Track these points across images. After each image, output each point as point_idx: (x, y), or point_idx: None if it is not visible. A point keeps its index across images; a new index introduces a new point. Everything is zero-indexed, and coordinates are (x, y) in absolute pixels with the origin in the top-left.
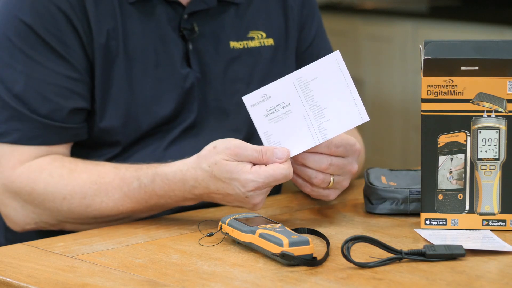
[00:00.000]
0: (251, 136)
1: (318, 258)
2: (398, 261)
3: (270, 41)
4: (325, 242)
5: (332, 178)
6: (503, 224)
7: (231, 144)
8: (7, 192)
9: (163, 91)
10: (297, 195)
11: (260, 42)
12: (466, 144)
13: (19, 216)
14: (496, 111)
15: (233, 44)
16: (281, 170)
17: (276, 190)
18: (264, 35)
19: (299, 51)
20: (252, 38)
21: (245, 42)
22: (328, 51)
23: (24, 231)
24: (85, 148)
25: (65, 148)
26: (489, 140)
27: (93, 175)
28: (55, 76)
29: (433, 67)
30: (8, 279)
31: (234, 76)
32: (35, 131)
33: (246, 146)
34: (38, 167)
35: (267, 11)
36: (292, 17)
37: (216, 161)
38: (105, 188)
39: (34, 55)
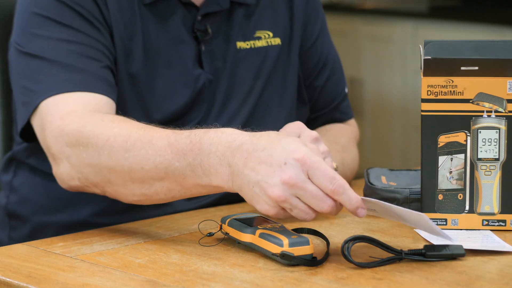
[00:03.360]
0: None
1: (318, 258)
2: (398, 261)
3: (277, 41)
4: (325, 242)
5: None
6: (503, 224)
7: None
8: (57, 144)
9: (175, 90)
10: None
11: (267, 42)
12: (466, 144)
13: (66, 169)
14: (496, 111)
15: (240, 44)
16: (335, 174)
17: None
18: (271, 34)
19: (302, 49)
20: (259, 38)
21: (252, 42)
22: (331, 50)
23: (70, 189)
24: None
25: (112, 105)
26: (489, 140)
27: (141, 125)
28: (94, 41)
29: (433, 67)
30: (8, 279)
31: (241, 76)
32: (85, 79)
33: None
34: (89, 114)
35: (274, 10)
36: (297, 16)
37: (270, 154)
38: (150, 136)
39: (70, 24)
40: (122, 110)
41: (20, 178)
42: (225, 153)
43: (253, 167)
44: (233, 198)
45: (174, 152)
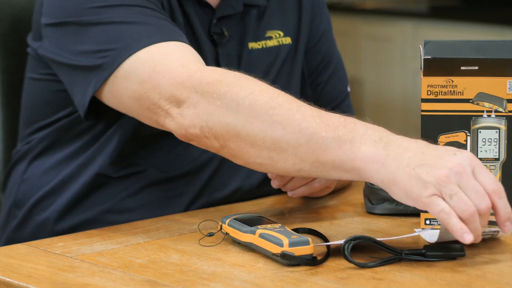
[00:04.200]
0: None
1: (318, 258)
2: (398, 261)
3: (288, 40)
4: (325, 242)
5: None
6: None
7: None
8: (184, 90)
9: None
10: None
11: (279, 41)
12: (466, 144)
13: (189, 115)
14: (496, 111)
15: (252, 45)
16: (491, 179)
17: (280, 190)
18: (281, 34)
19: (307, 46)
20: (270, 38)
21: (263, 42)
22: (335, 49)
23: (186, 138)
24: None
25: None
26: (489, 140)
27: (288, 94)
28: (164, 14)
29: (433, 67)
30: (8, 279)
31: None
32: (172, 32)
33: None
34: (221, 69)
35: (284, 10)
36: (305, 14)
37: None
38: (299, 103)
39: (148, 5)
40: None
41: (32, 169)
42: (382, 138)
43: (415, 153)
44: (234, 199)
45: (324, 122)
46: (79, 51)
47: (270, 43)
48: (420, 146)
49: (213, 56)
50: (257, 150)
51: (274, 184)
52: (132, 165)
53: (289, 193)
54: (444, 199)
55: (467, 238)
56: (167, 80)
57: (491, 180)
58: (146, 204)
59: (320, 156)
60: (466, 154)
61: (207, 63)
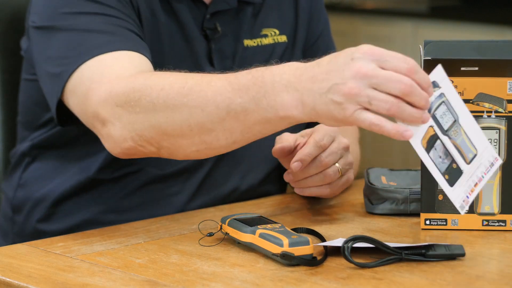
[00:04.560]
0: None
1: (318, 258)
2: (398, 261)
3: (283, 38)
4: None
5: (337, 165)
6: (503, 224)
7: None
8: (106, 106)
9: None
10: (297, 195)
11: (274, 39)
12: None
13: (117, 131)
14: (496, 112)
15: (247, 42)
16: (398, 56)
17: (280, 190)
18: (277, 32)
19: (305, 46)
20: (265, 36)
21: (259, 39)
22: (333, 49)
23: (125, 154)
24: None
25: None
26: (489, 140)
27: (198, 73)
28: (129, 18)
29: (433, 67)
30: (8, 279)
31: None
32: (124, 40)
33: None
34: (139, 73)
35: (280, 8)
36: (302, 13)
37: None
38: (208, 78)
39: (103, 1)
40: None
41: (29, 173)
42: (290, 80)
43: (321, 79)
44: (233, 198)
45: (236, 89)
46: (47, 56)
47: (266, 41)
48: (322, 67)
49: (205, 51)
50: (189, 139)
51: (287, 177)
52: (128, 165)
53: (297, 190)
54: (366, 109)
55: (407, 134)
56: (95, 99)
57: (400, 61)
58: (143, 203)
59: (246, 122)
60: (363, 51)
61: (199, 59)
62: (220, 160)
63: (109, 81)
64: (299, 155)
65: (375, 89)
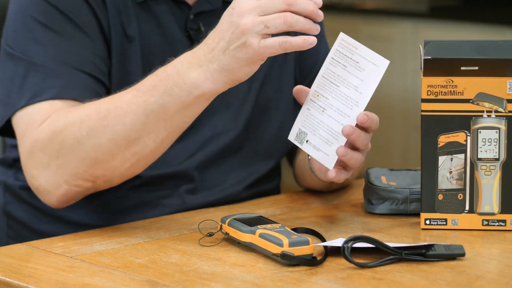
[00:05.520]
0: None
1: (318, 258)
2: (398, 261)
3: None
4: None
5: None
6: (503, 224)
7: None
8: (31, 157)
9: None
10: (297, 195)
11: None
12: (466, 144)
13: (48, 180)
14: (496, 111)
15: None
16: None
17: (274, 188)
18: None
19: (299, 51)
20: None
21: None
22: (325, 52)
23: (62, 202)
24: None
25: None
26: (489, 140)
27: (109, 97)
28: (81, 48)
29: (433, 67)
30: (8, 279)
31: None
32: (71, 85)
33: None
34: (56, 114)
35: None
36: None
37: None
38: (119, 95)
39: (58, 29)
40: None
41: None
42: (190, 61)
43: (217, 43)
44: (233, 198)
45: (145, 91)
46: (1, 77)
47: None
48: (211, 37)
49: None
50: (120, 157)
51: (341, 151)
52: None
53: (333, 171)
54: (268, 34)
55: (312, 40)
56: (22, 151)
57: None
58: (135, 206)
59: (165, 116)
60: (236, 2)
61: None
62: (214, 161)
63: (32, 132)
64: (365, 113)
65: (264, 15)
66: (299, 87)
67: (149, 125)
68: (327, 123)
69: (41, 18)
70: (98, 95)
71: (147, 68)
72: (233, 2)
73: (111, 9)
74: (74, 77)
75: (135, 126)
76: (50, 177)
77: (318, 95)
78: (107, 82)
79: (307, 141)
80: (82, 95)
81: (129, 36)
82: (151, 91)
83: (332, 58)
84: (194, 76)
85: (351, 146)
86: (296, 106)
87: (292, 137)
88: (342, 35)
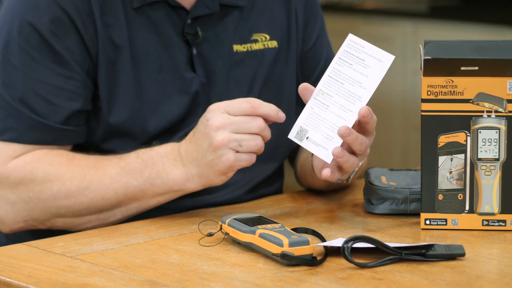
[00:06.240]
0: None
1: (318, 258)
2: (398, 261)
3: (274, 43)
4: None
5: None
6: (503, 224)
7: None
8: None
9: (168, 95)
10: (297, 195)
11: (264, 45)
12: (466, 144)
13: (9, 216)
14: (496, 111)
15: (237, 47)
16: (240, 101)
17: (277, 190)
18: (267, 37)
19: (301, 51)
20: (255, 41)
21: (249, 45)
22: (330, 52)
23: (11, 232)
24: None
25: (62, 149)
26: (489, 140)
27: (92, 160)
28: (56, 78)
29: (433, 67)
30: (8, 279)
31: (237, 79)
32: (32, 130)
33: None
34: (35, 158)
35: (271, 13)
36: (295, 18)
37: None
38: (102, 166)
39: (35, 56)
40: (118, 126)
41: None
42: (175, 158)
43: (195, 151)
44: (234, 202)
45: (130, 173)
46: None
47: (256, 46)
48: (192, 141)
49: (187, 57)
50: (87, 219)
51: (345, 131)
52: None
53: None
54: (238, 151)
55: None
56: None
57: (243, 104)
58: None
59: (142, 199)
60: (210, 109)
61: (179, 66)
62: None
63: (4, 164)
64: (368, 107)
65: (238, 133)
66: (305, 84)
67: (124, 203)
68: (330, 119)
69: (22, 43)
70: (68, 132)
71: (139, 74)
72: (207, 112)
73: (100, 24)
74: (36, 121)
75: (112, 202)
76: (11, 214)
77: (322, 94)
78: (87, 106)
79: (307, 138)
80: (45, 140)
81: (117, 45)
82: (135, 174)
83: (339, 58)
84: (177, 174)
85: (349, 149)
86: (298, 107)
87: (292, 135)
88: (350, 36)
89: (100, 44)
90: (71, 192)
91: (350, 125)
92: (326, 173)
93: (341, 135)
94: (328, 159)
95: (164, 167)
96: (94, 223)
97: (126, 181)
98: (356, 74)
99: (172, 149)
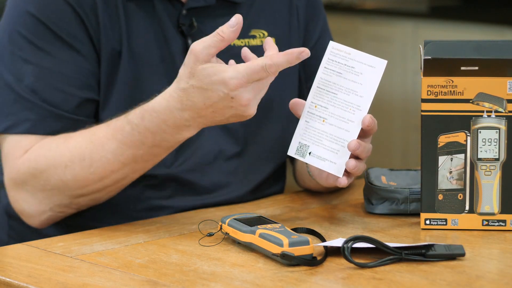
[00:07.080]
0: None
1: (318, 258)
2: (398, 261)
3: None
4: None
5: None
6: (503, 224)
7: (198, 49)
8: (15, 185)
9: (165, 86)
10: (297, 195)
11: (262, 41)
12: (466, 144)
13: (33, 208)
14: (496, 111)
15: (234, 41)
16: (258, 61)
17: (279, 190)
18: (266, 33)
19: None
20: (253, 37)
21: (246, 40)
22: None
23: (44, 224)
24: None
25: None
26: (489, 140)
27: (86, 135)
28: (66, 66)
29: (433, 67)
30: (8, 279)
31: None
32: (46, 120)
33: (215, 45)
34: (37, 147)
35: (271, 10)
36: (297, 17)
37: (191, 72)
38: (100, 142)
39: (44, 46)
40: (110, 110)
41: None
42: (178, 125)
43: (212, 112)
44: (235, 202)
45: (132, 146)
46: None
47: (253, 42)
48: (196, 98)
49: (182, 48)
50: (104, 190)
51: (352, 145)
52: None
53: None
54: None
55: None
56: (5, 173)
57: (261, 76)
58: (138, 208)
59: (154, 157)
60: (235, 93)
61: (175, 57)
62: (212, 164)
63: (12, 162)
64: (371, 116)
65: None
66: (294, 100)
67: (133, 166)
68: (330, 131)
69: (27, 34)
70: (79, 122)
71: (137, 67)
72: (228, 86)
73: (102, 17)
74: (48, 110)
75: (123, 172)
76: (35, 205)
77: (315, 106)
78: (96, 95)
79: (309, 153)
80: (57, 130)
81: (117, 37)
82: (137, 145)
83: (324, 67)
84: (187, 135)
85: (354, 156)
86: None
87: (292, 152)
88: (332, 43)
89: (103, 36)
90: (77, 174)
91: (355, 137)
92: (343, 182)
93: (352, 150)
94: (339, 172)
95: (163, 129)
96: (115, 190)
97: (130, 152)
98: (347, 82)
99: (171, 114)
